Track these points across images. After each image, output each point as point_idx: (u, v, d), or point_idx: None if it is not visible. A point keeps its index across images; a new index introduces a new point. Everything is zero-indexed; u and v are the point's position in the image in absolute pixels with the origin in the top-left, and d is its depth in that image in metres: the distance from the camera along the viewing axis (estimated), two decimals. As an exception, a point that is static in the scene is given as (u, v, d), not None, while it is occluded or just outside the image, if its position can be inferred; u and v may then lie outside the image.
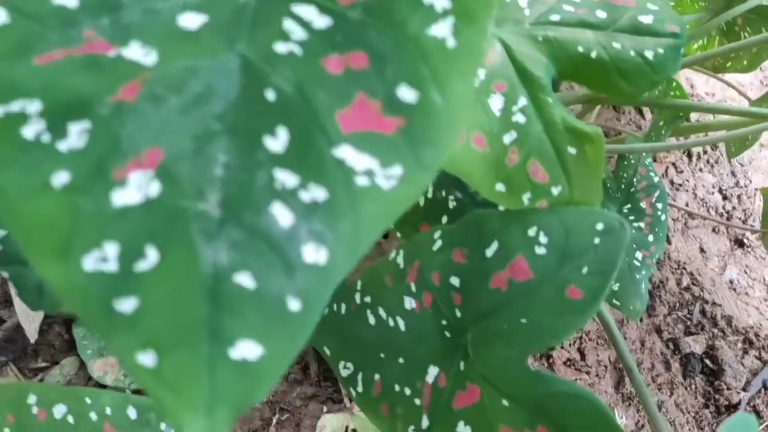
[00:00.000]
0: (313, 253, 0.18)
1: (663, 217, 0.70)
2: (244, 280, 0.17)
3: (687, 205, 1.16)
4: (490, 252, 0.46)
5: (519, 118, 0.44)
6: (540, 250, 0.44)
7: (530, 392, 0.44)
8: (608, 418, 0.41)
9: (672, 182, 1.17)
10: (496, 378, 0.45)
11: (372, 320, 0.52)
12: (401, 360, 0.50)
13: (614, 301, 0.67)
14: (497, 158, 0.44)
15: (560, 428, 0.42)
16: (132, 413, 0.50)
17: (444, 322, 0.48)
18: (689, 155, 1.21)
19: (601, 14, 0.47)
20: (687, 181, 1.18)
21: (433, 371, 0.49)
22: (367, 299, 0.53)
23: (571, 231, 0.43)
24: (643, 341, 0.99)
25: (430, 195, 0.55)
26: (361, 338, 0.53)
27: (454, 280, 0.47)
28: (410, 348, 0.50)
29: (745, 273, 1.12)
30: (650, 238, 0.70)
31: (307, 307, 0.18)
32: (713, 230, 1.16)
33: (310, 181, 0.19)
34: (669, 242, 1.10)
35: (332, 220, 0.19)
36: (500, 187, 0.45)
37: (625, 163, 0.71)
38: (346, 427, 0.88)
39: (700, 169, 1.22)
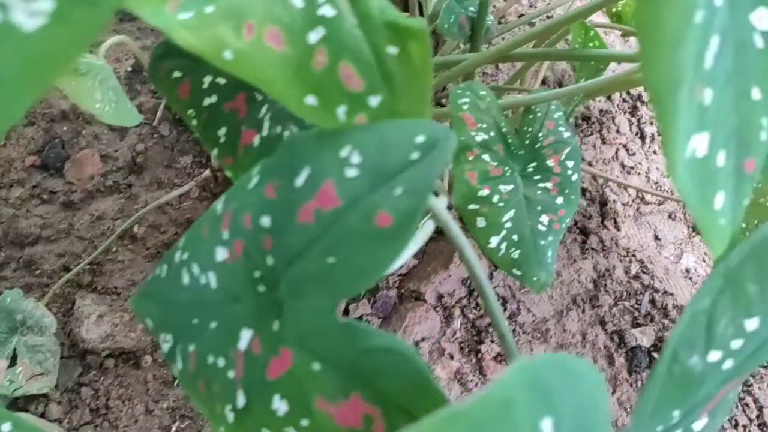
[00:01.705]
0: None
1: (574, 177, 0.62)
2: None
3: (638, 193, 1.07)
4: (300, 181, 0.37)
5: (327, 10, 0.35)
6: (351, 172, 0.35)
7: (343, 351, 0.35)
8: (426, 379, 0.32)
9: (623, 165, 1.08)
10: (309, 337, 0.36)
11: (186, 279, 0.43)
12: (213, 324, 0.41)
13: (514, 270, 0.58)
14: (301, 61, 0.36)
15: (376, 393, 0.33)
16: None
17: (257, 274, 0.39)
18: (642, 137, 1.12)
19: None
20: (639, 164, 1.10)
21: (246, 335, 0.39)
22: (185, 255, 0.44)
23: (387, 147, 0.34)
24: (584, 334, 0.90)
25: (265, 132, 0.46)
26: (177, 303, 0.44)
27: (265, 220, 0.38)
28: (223, 309, 0.41)
29: (704, 261, 1.03)
30: (559, 200, 0.61)
31: None
32: (669, 216, 1.07)
33: None
34: (618, 228, 1.01)
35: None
36: (311, 99, 0.36)
37: (531, 116, 0.63)
38: None
39: (654, 152, 1.13)
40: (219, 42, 0.34)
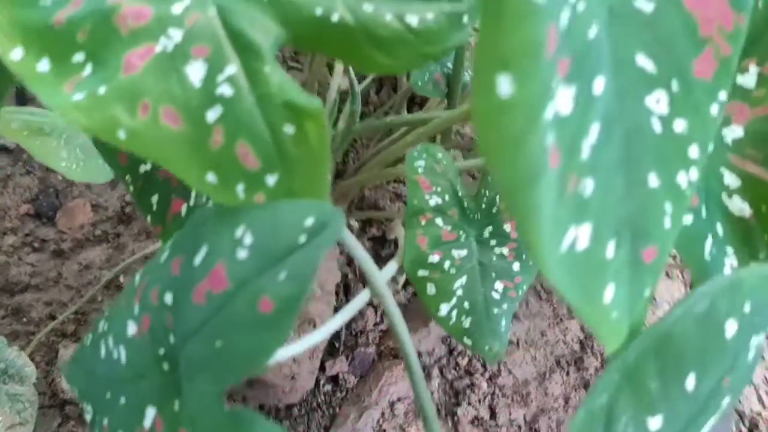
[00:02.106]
0: None
1: (532, 243, 0.60)
2: None
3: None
4: (198, 259, 0.36)
5: (225, 89, 0.35)
6: (242, 254, 0.34)
7: (228, 438, 0.34)
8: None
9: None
10: (199, 421, 0.35)
11: (103, 352, 0.43)
12: (123, 400, 0.41)
13: (465, 339, 0.57)
14: (199, 139, 0.35)
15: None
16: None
17: (161, 351, 0.39)
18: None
19: (354, -28, 0.38)
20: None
21: (150, 413, 0.39)
22: (105, 326, 0.44)
23: (278, 229, 0.34)
24: (567, 398, 0.87)
25: (192, 202, 0.46)
26: (95, 374, 0.44)
27: (168, 297, 0.38)
28: (131, 385, 0.40)
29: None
30: (515, 266, 0.60)
31: None
32: (666, 274, 1.04)
33: None
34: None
35: None
36: (211, 177, 0.36)
37: (489, 179, 0.62)
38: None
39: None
40: (112, 122, 0.34)
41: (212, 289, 0.35)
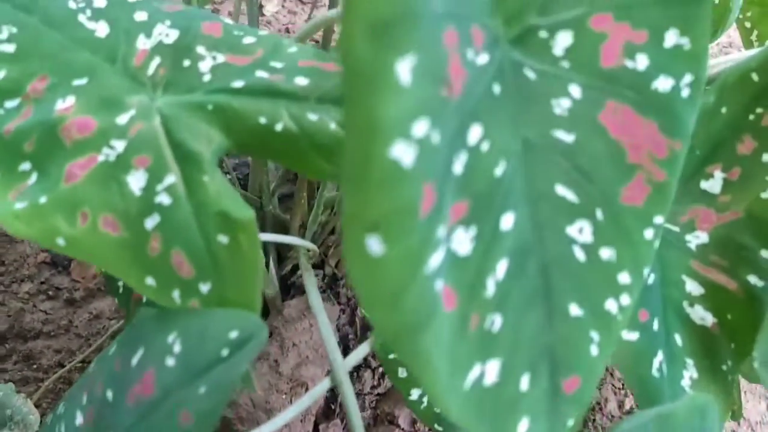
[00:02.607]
0: None
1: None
2: None
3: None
4: (135, 360, 0.37)
5: (164, 198, 0.36)
6: (170, 362, 0.35)
7: None
8: None
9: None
10: None
11: (56, 436, 0.44)
12: (67, 489, 0.41)
13: (436, 426, 0.56)
14: (138, 245, 0.36)
15: None
16: None
17: (102, 446, 0.39)
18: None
19: (302, 81, 0.39)
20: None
21: (89, 506, 0.39)
22: (62, 410, 0.45)
23: (204, 339, 0.34)
24: (564, 474, 0.84)
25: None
26: (49, 457, 0.45)
27: (109, 393, 0.39)
28: (75, 474, 0.41)
29: (711, 398, 0.96)
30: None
31: None
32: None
33: None
34: (616, 357, 0.96)
35: None
36: (150, 281, 0.37)
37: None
38: None
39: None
40: (51, 231, 0.35)
41: (142, 394, 0.35)
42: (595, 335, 0.32)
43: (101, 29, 0.41)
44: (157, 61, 0.39)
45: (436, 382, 0.27)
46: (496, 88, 0.29)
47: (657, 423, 0.33)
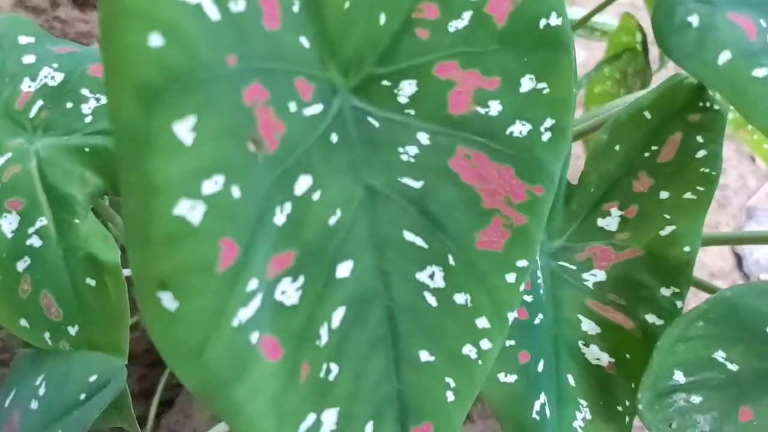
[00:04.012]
0: None
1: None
2: None
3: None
4: (7, 401, 0.37)
5: (35, 241, 0.36)
6: (34, 405, 0.35)
7: None
8: None
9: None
10: None
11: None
12: None
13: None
14: (10, 287, 0.37)
15: None
16: None
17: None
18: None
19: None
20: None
21: None
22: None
23: (65, 384, 0.34)
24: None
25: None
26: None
27: None
28: None
29: None
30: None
31: None
32: None
33: None
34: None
35: None
36: (23, 322, 0.37)
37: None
38: None
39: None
40: None
41: (6, 439, 0.35)
42: (450, 381, 0.32)
43: (-14, 73, 0.41)
44: (39, 103, 0.39)
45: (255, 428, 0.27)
46: (334, 137, 0.29)
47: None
